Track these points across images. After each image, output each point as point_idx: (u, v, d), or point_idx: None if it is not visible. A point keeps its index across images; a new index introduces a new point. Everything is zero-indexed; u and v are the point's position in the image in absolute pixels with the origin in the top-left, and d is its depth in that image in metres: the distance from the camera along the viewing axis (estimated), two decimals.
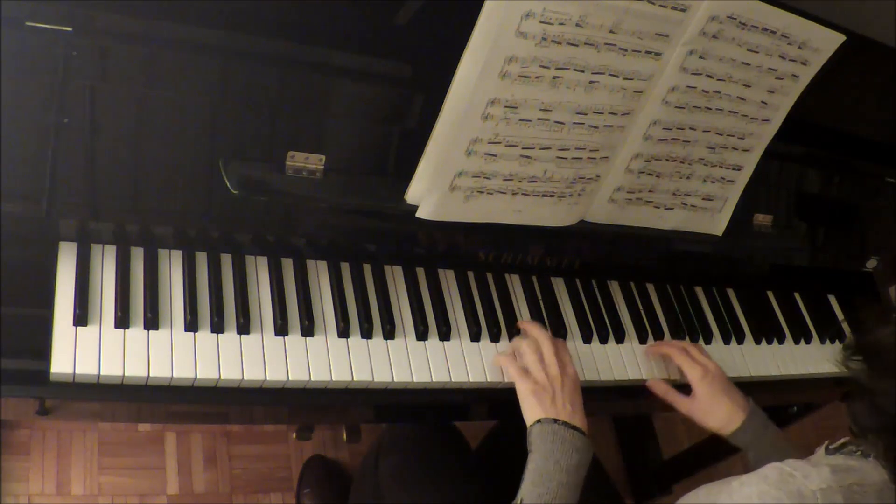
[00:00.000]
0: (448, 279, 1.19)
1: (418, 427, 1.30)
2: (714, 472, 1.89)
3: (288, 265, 1.10)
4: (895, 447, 0.71)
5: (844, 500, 0.70)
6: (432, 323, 1.13)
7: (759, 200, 1.34)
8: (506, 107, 0.98)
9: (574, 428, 1.02)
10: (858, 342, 0.79)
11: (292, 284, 1.08)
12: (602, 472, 1.34)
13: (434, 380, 1.08)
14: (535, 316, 1.20)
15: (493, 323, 1.16)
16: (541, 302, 1.23)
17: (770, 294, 1.47)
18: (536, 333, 1.11)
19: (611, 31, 0.97)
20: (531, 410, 1.04)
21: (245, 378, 0.98)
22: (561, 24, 0.94)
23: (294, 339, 1.04)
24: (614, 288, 1.31)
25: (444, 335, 1.12)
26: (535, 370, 1.07)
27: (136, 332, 0.96)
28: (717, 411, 1.15)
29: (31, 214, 0.93)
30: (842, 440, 0.83)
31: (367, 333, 1.08)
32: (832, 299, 1.54)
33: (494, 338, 1.16)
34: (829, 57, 1.14)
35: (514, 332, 1.17)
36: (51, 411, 0.96)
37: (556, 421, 1.02)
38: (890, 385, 0.71)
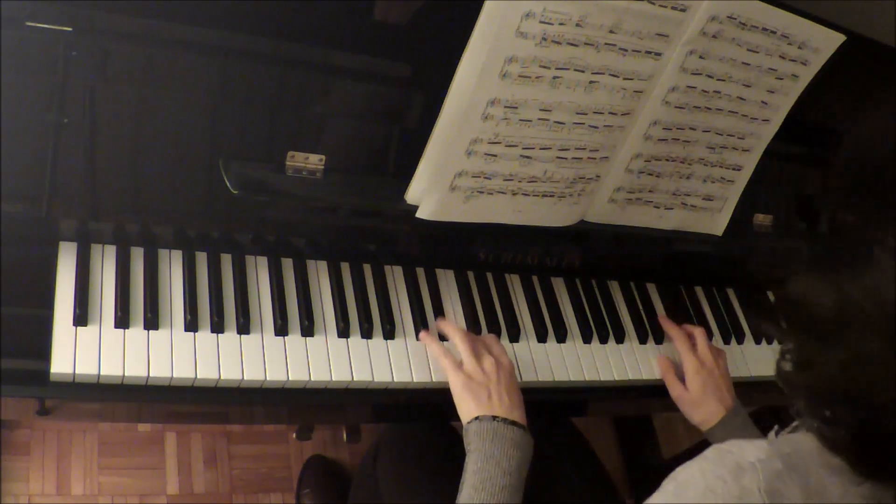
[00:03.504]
0: (448, 279, 1.19)
1: (416, 427, 1.30)
2: None
3: (288, 265, 1.10)
4: (820, 400, 0.71)
5: (784, 466, 0.71)
6: (432, 323, 1.13)
7: (759, 200, 1.34)
8: (506, 107, 0.98)
9: (514, 423, 0.98)
10: (777, 303, 0.78)
11: (292, 284, 1.08)
12: (602, 472, 1.33)
13: (434, 380, 1.08)
14: (535, 316, 1.20)
15: (493, 323, 1.16)
16: (541, 302, 1.23)
17: (770, 294, 1.47)
18: (461, 333, 1.09)
19: (611, 31, 0.97)
20: (466, 406, 1.01)
21: (245, 378, 0.98)
22: (561, 24, 0.94)
23: (294, 339, 1.04)
24: (614, 288, 1.31)
25: (444, 336, 1.12)
26: (468, 363, 1.04)
27: (136, 332, 0.96)
28: (701, 407, 1.16)
29: (31, 214, 0.93)
30: (793, 424, 0.84)
31: (367, 333, 1.08)
32: None
33: None
34: (829, 57, 1.14)
35: (513, 332, 1.17)
36: (51, 411, 0.96)
37: (494, 418, 0.98)
38: (809, 337, 0.72)
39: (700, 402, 1.16)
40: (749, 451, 0.73)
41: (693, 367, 1.18)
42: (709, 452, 0.76)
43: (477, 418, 0.99)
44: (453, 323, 1.13)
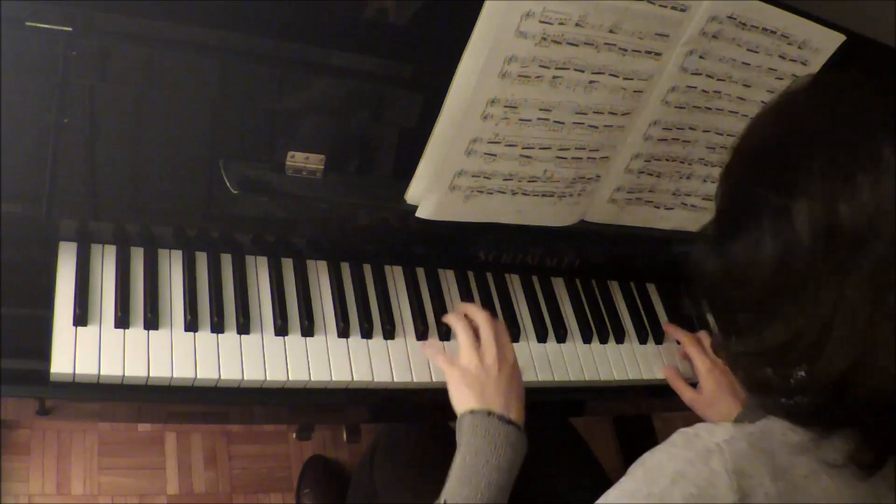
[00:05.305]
0: (448, 279, 1.19)
1: (413, 427, 1.30)
2: None
3: (288, 265, 1.10)
4: (761, 362, 0.70)
5: (749, 445, 0.70)
6: (432, 323, 1.13)
7: None
8: (506, 106, 0.98)
9: (509, 422, 0.93)
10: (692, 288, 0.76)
11: (292, 284, 1.08)
12: (602, 473, 1.34)
13: (434, 380, 1.08)
14: (535, 316, 1.20)
15: None
16: (541, 302, 1.22)
17: None
18: (474, 314, 1.05)
19: (611, 31, 0.97)
20: (461, 399, 0.96)
21: (245, 378, 0.98)
22: (561, 23, 0.94)
23: (294, 339, 1.04)
24: (614, 288, 1.31)
25: (444, 335, 1.12)
26: (466, 356, 1.00)
27: (136, 332, 0.96)
28: (717, 406, 1.15)
29: (31, 214, 0.93)
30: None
31: (367, 333, 1.08)
32: None
33: None
34: (829, 57, 1.14)
35: (513, 332, 1.17)
36: (51, 411, 0.96)
37: (490, 413, 0.93)
38: (719, 312, 0.74)
39: (715, 402, 1.16)
40: (715, 433, 0.72)
41: (706, 368, 1.17)
42: (676, 437, 0.75)
43: (471, 411, 0.94)
44: (459, 314, 1.07)
